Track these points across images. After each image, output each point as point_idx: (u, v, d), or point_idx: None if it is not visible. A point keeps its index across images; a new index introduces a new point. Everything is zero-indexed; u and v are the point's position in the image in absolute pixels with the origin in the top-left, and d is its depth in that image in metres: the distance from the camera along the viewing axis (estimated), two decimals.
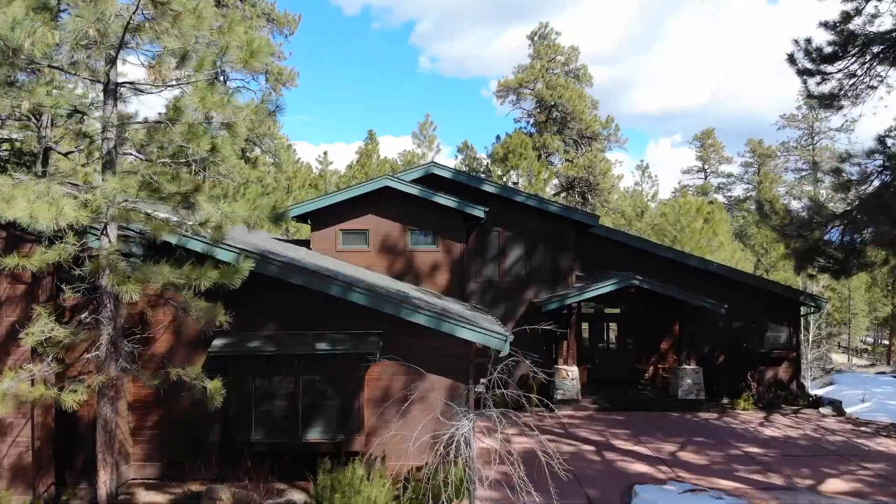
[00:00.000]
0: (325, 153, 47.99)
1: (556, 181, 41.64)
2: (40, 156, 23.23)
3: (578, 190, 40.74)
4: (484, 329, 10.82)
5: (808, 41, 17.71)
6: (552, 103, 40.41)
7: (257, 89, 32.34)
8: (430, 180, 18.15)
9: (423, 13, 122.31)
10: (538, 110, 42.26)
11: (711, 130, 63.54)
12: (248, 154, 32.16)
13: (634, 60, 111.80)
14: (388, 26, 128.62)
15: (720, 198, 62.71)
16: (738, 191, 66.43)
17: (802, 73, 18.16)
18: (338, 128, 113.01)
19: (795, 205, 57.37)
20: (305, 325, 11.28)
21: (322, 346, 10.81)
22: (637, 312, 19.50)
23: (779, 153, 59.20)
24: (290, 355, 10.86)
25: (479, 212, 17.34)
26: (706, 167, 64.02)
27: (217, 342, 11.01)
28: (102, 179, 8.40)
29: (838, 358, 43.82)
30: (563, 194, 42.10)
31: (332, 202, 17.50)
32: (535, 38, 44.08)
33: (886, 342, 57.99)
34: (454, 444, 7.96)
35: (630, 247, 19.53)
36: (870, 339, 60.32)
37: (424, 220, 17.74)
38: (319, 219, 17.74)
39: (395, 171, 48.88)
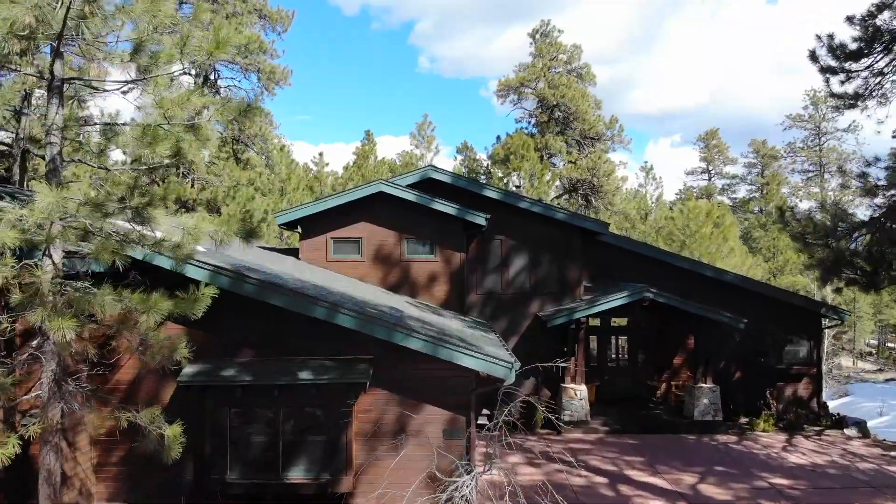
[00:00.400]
0: (321, 154, 46.84)
1: (557, 183, 40.47)
2: (17, 158, 22.07)
3: (581, 192, 39.58)
4: (488, 356, 9.65)
5: (831, 37, 16.58)
6: (554, 103, 39.24)
7: (249, 88, 31.12)
8: (428, 185, 16.97)
9: (423, 13, 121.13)
10: (540, 110, 41.09)
11: (715, 131, 62.38)
12: (239, 156, 30.97)
13: (634, 60, 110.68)
14: (387, 26, 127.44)
15: (725, 199, 61.57)
16: (742, 192, 65.38)
17: (825, 70, 16.99)
18: (337, 128, 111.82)
19: (802, 206, 56.28)
20: (288, 349, 10.11)
21: (305, 375, 9.63)
22: (647, 325, 18.33)
23: (784, 154, 58.05)
24: (270, 385, 9.68)
25: (479, 219, 16.17)
26: (710, 168, 62.83)
27: (188, 370, 9.83)
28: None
29: (845, 362, 42.70)
30: (565, 197, 40.93)
31: (322, 208, 16.31)
32: (537, 36, 42.91)
33: (893, 345, 56.89)
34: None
35: (640, 255, 18.36)
36: (873, 342, 59.19)
37: (422, 228, 16.57)
38: (309, 226, 16.56)
39: (393, 171, 47.76)
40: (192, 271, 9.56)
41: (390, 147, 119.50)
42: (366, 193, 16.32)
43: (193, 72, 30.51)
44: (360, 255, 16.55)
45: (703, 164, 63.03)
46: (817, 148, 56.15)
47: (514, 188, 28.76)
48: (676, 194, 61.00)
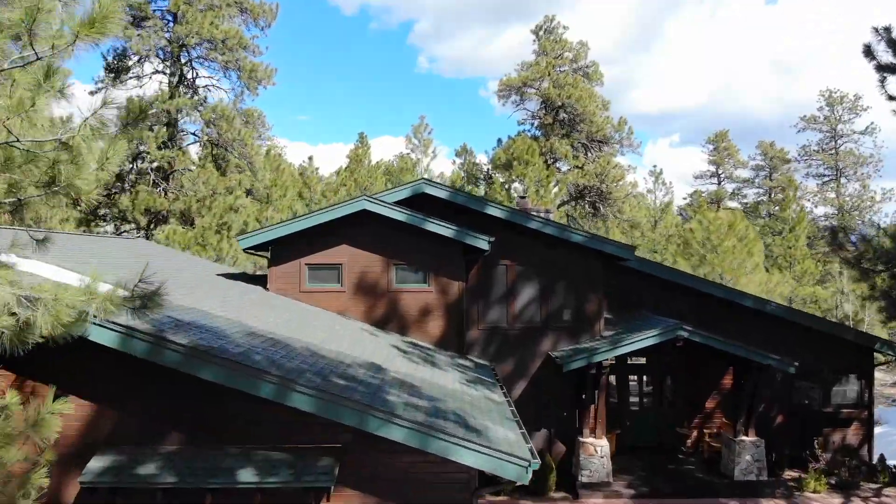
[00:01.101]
0: (311, 158, 44.25)
1: (561, 189, 37.95)
2: None
3: (589, 199, 37.08)
4: (497, 451, 7.11)
5: (888, 30, 14.15)
6: (559, 104, 36.73)
7: (229, 88, 28.61)
8: (422, 201, 14.46)
9: (422, 13, 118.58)
10: (544, 111, 38.57)
11: (725, 133, 59.86)
12: (221, 161, 28.42)
13: (633, 60, 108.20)
14: (386, 26, 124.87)
15: (736, 205, 59.07)
16: (750, 196, 62.82)
17: (883, 68, 14.54)
18: (336, 128, 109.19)
19: (818, 212, 53.87)
20: (228, 433, 7.59)
21: (247, 475, 7.11)
22: (676, 362, 15.81)
23: (798, 157, 55.55)
24: (199, 490, 7.16)
25: (481, 242, 13.65)
26: (719, 172, 60.31)
27: (94, 464, 7.31)
28: None
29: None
30: (570, 204, 38.43)
31: (295, 229, 13.79)
32: (541, 33, 40.40)
33: None
34: None
35: (665, 281, 15.86)
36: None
37: (413, 252, 14.06)
38: (280, 250, 14.04)
39: (390, 174, 45.28)
40: (96, 334, 7.05)
41: (389, 148, 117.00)
42: (347, 212, 13.81)
43: (166, 70, 28.04)
44: (340, 285, 14.03)
45: (712, 168, 60.53)
46: (833, 151, 53.67)
47: (517, 197, 26.26)
48: (684, 198, 58.52)
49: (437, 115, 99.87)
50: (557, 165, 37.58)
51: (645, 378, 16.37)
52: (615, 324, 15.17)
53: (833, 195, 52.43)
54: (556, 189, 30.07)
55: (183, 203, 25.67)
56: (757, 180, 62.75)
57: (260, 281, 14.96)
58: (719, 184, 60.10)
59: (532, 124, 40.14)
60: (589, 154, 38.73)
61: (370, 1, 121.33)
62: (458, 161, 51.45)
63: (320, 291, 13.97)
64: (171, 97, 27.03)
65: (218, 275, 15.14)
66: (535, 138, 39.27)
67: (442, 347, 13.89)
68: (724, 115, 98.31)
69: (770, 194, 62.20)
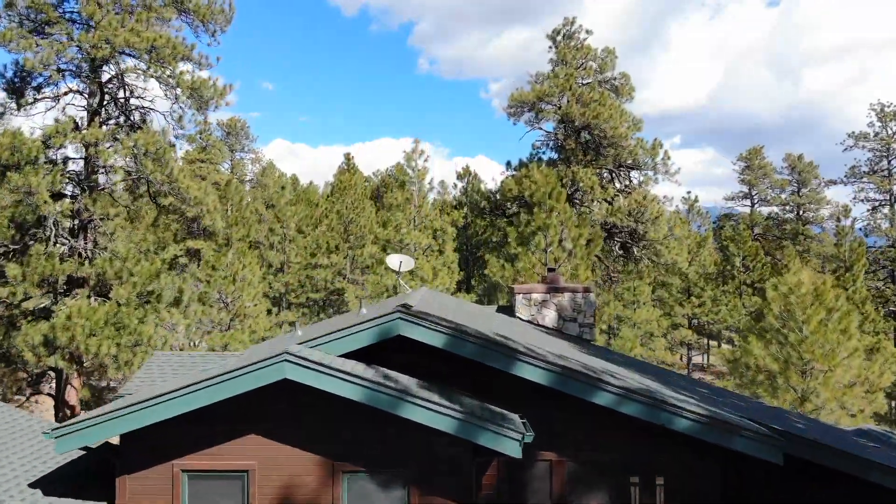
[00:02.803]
0: (293, 180, 37.53)
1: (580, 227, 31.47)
2: None
3: (618, 239, 30.68)
4: None
5: None
6: (583, 124, 30.35)
7: (166, 111, 22.20)
8: (398, 346, 8.08)
9: (421, 15, 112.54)
10: (563, 132, 32.20)
11: (759, 149, 53.46)
12: (158, 200, 21.98)
13: (633, 62, 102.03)
14: (386, 28, 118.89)
15: (767, 226, 52.57)
16: (765, 210, 56.34)
17: None
18: (338, 129, 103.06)
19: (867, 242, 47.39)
20: None
21: None
22: None
23: (844, 179, 49.03)
24: None
25: (510, 444, 7.26)
26: (753, 193, 53.86)
27: None
28: None
29: None
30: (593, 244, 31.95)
31: (163, 416, 7.39)
32: (559, 39, 34.05)
33: None
34: None
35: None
36: None
37: (379, 450, 7.68)
38: (135, 446, 7.65)
39: (380, 203, 38.89)
40: None
41: (389, 149, 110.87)
42: (259, 383, 7.40)
43: (86, 89, 21.63)
44: None
45: (745, 188, 54.07)
46: (886, 172, 47.22)
47: (539, 263, 19.81)
48: (715, 222, 52.06)
49: (438, 116, 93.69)
50: (577, 196, 31.19)
51: None
52: None
53: (887, 224, 45.92)
54: (586, 237, 23.60)
55: (98, 266, 19.29)
56: (783, 195, 56.43)
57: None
58: (752, 206, 53.68)
59: (549, 145, 33.78)
60: (616, 181, 32.38)
61: (370, 2, 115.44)
62: (461, 185, 45.17)
63: None
64: (89, 124, 20.72)
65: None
66: (553, 163, 32.91)
67: None
68: (724, 117, 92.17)
69: (799, 211, 55.84)
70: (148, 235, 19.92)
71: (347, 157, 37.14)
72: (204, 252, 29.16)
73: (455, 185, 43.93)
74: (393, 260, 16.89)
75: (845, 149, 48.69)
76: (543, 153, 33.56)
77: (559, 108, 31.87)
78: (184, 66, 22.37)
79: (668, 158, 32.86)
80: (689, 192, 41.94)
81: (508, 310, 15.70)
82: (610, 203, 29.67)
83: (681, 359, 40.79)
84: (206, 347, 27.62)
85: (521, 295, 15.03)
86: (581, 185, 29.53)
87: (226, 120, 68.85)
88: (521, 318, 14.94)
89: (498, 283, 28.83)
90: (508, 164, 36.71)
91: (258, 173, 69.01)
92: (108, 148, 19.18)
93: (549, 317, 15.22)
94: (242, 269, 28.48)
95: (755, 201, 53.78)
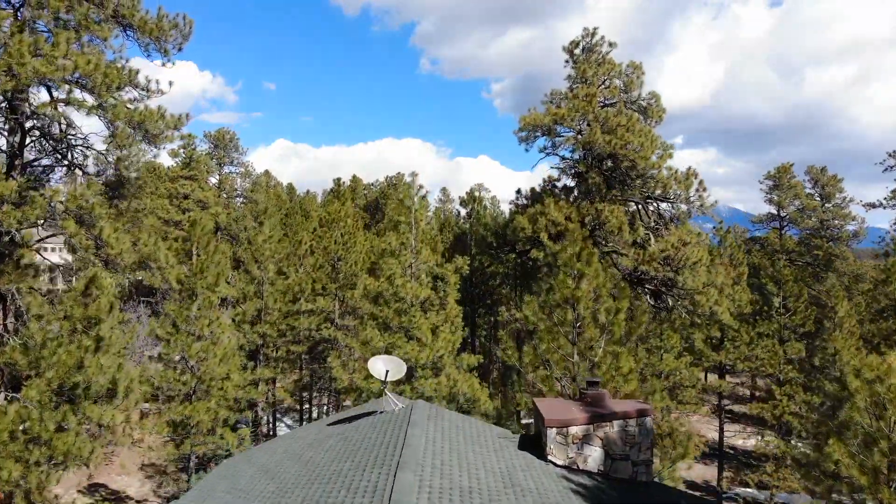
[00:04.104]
0: (262, 222, 32.88)
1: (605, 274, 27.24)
2: None
3: (650, 287, 26.46)
4: None
5: None
6: (610, 152, 26.16)
7: (103, 151, 17.98)
8: None
9: (423, 15, 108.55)
10: (585, 161, 28.01)
11: (789, 166, 49.15)
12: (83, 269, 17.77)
13: (638, 61, 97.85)
14: (388, 28, 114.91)
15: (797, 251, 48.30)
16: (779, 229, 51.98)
17: None
18: (338, 130, 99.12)
19: None
20: None
21: None
22: None
23: (885, 202, 44.70)
24: None
25: None
26: (783, 214, 49.55)
27: None
28: None
29: None
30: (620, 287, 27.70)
31: None
32: (577, 53, 29.85)
33: None
34: None
35: None
36: None
37: None
38: None
39: (385, 196, 34.64)
40: None
41: (390, 150, 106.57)
42: None
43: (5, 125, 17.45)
44: None
45: (773, 209, 49.78)
46: None
47: (566, 327, 15.56)
48: (746, 249, 47.69)
49: (440, 116, 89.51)
50: (598, 235, 26.97)
51: None
52: None
53: None
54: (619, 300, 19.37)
55: (7, 356, 15.11)
56: (807, 212, 52.13)
57: None
58: (782, 230, 49.36)
59: (567, 172, 29.58)
60: (642, 213, 28.19)
61: (372, 3, 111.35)
62: (465, 212, 41.01)
63: None
64: (8, 172, 16.59)
65: None
66: (575, 200, 28.73)
67: None
68: (726, 118, 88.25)
69: (824, 229, 51.45)
70: (76, 308, 15.71)
71: (337, 182, 32.86)
72: (162, 306, 25.11)
73: (459, 214, 39.74)
74: (378, 367, 12.75)
75: (885, 169, 44.41)
76: (555, 187, 29.32)
77: (579, 133, 27.65)
78: (128, 95, 18.27)
79: (704, 190, 28.66)
80: (720, 222, 37.52)
81: (535, 444, 11.57)
82: (641, 246, 25.47)
83: (712, 412, 36.63)
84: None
85: (553, 430, 10.91)
86: (607, 224, 25.32)
87: (213, 132, 64.89)
88: (554, 464, 10.80)
89: (516, 367, 24.66)
90: (519, 192, 32.58)
91: (248, 189, 64.96)
92: (18, 208, 14.92)
93: (594, 456, 11.07)
94: (209, 324, 24.41)
95: (784, 223, 49.45)
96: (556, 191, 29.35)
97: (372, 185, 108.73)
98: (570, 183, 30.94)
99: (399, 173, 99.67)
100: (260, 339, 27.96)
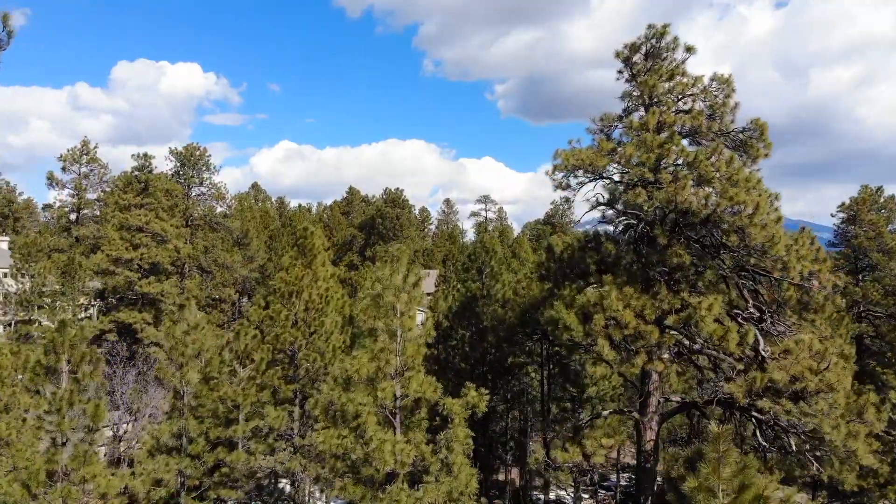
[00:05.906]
0: (198, 326, 22.71)
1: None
2: None
3: (757, 415, 17.44)
4: None
5: None
6: (707, 215, 17.18)
7: None
8: None
9: (426, 17, 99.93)
10: (661, 224, 18.98)
11: (874, 193, 40.18)
12: None
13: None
14: (391, 29, 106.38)
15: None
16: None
17: None
18: (342, 131, 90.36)
19: None
20: None
21: None
22: None
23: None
24: None
25: None
26: (862, 257, 40.54)
27: None
28: None
29: None
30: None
31: None
32: (636, 60, 20.84)
33: None
34: None
35: None
36: None
37: None
38: None
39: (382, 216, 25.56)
40: None
41: (393, 150, 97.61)
42: None
43: None
44: None
45: (849, 250, 40.79)
46: None
47: None
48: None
49: (444, 118, 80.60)
50: (684, 340, 17.97)
51: None
52: None
53: None
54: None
55: None
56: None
57: None
58: (859, 275, 40.40)
59: (630, 240, 20.58)
60: (743, 306, 19.23)
61: (375, 4, 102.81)
62: (469, 225, 32.00)
63: None
64: None
65: None
66: (629, 271, 19.76)
67: None
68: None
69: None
70: None
71: (305, 230, 24.04)
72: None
73: (467, 238, 30.66)
74: None
75: None
76: (609, 253, 20.24)
77: (648, 182, 18.57)
78: None
79: (819, 248, 19.71)
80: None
81: None
82: (754, 363, 16.45)
83: None
84: None
85: None
86: (703, 327, 16.32)
87: (181, 149, 55.88)
88: None
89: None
90: (550, 249, 23.60)
91: (218, 215, 55.88)
92: None
93: None
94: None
95: (861, 267, 40.37)
96: (609, 259, 20.30)
97: (368, 200, 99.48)
98: (618, 235, 21.93)
99: (398, 189, 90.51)
100: (178, 480, 18.94)
